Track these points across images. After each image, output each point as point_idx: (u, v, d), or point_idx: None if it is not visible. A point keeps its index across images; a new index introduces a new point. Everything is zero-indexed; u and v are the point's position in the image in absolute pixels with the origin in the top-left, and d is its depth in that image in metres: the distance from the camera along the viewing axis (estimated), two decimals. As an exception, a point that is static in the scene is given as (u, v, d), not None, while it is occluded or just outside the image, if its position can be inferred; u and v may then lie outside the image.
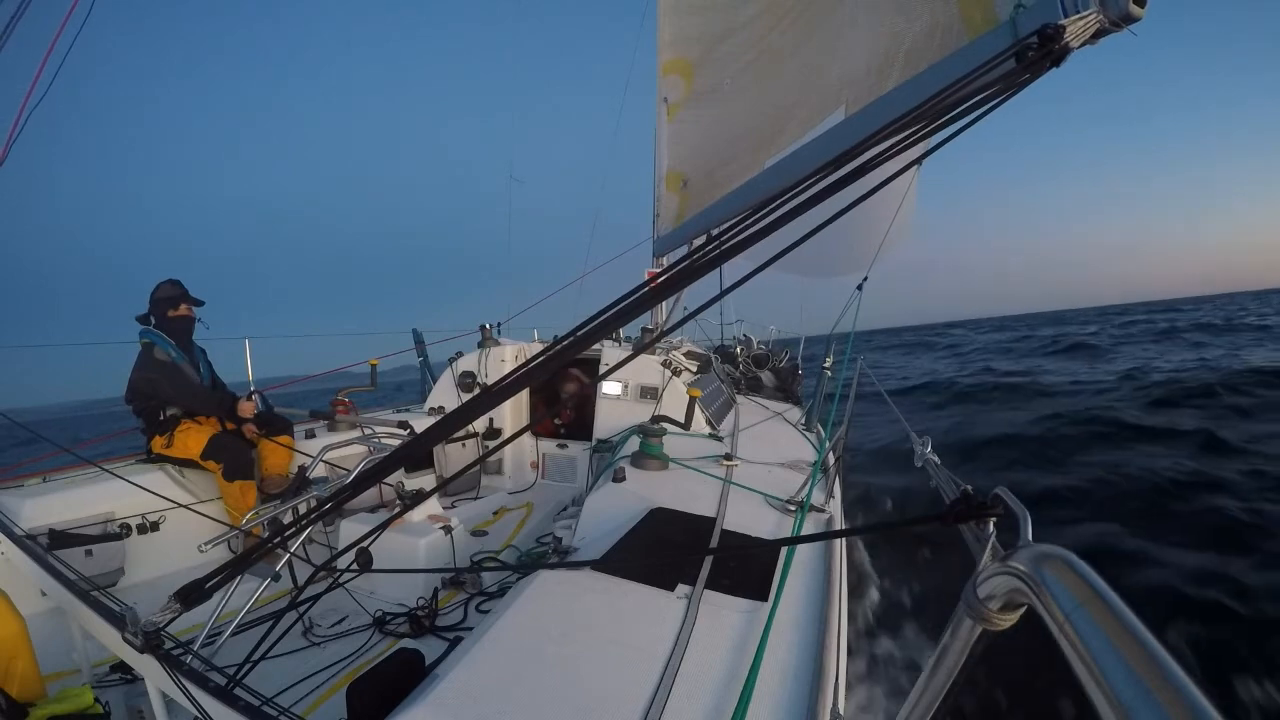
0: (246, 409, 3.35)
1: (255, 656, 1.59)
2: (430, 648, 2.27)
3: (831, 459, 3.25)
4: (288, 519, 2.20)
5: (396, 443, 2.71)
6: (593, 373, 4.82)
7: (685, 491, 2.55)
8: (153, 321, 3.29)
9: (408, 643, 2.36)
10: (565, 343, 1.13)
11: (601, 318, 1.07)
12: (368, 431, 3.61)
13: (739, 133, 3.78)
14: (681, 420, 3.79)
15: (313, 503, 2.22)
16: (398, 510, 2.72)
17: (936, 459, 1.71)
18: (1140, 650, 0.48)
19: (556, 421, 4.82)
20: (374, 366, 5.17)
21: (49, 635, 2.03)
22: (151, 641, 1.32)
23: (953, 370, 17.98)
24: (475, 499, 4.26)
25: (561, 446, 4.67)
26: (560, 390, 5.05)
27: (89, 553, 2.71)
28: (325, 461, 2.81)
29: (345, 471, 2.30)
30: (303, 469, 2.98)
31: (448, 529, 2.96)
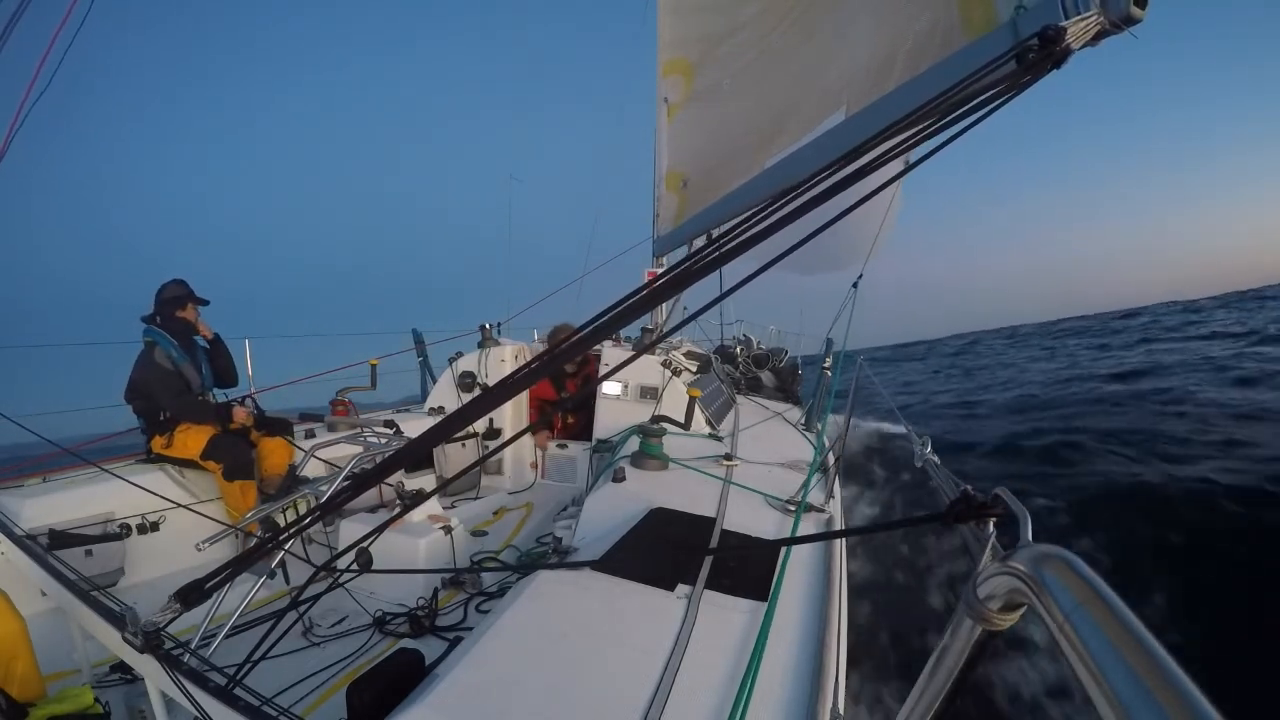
0: (240, 414, 3.35)
1: (255, 656, 1.59)
2: (430, 648, 2.26)
3: (831, 459, 3.26)
4: (290, 517, 2.20)
5: (387, 441, 2.71)
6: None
7: (685, 491, 2.55)
8: (158, 321, 3.29)
9: (408, 643, 2.36)
10: (565, 344, 1.13)
11: (601, 319, 1.07)
12: (363, 430, 3.61)
13: (739, 133, 3.78)
14: (681, 420, 3.79)
15: (311, 502, 2.22)
16: (398, 510, 2.71)
17: (936, 459, 1.71)
18: (1140, 650, 0.48)
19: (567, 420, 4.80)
20: (374, 366, 5.15)
21: (49, 635, 2.02)
22: (151, 641, 1.33)
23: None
24: (475, 499, 4.26)
25: (561, 446, 4.67)
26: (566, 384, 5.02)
27: (89, 553, 2.71)
28: (318, 458, 2.80)
29: (340, 470, 2.29)
30: (293, 467, 2.98)
31: (448, 529, 2.96)
